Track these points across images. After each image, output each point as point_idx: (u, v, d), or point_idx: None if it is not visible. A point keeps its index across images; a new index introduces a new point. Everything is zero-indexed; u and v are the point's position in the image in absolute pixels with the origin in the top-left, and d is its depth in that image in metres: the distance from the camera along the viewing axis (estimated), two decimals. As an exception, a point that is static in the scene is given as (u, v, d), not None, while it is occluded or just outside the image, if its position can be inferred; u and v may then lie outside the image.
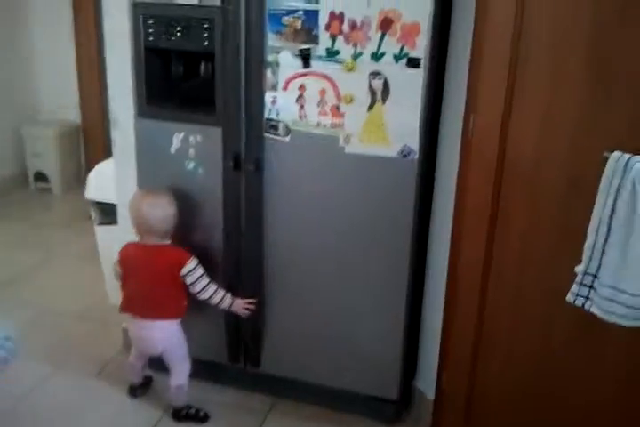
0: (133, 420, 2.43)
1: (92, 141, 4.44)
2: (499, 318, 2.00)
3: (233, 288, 2.34)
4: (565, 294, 1.73)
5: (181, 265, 2.23)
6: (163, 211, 2.22)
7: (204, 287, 2.27)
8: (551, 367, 1.96)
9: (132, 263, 2.30)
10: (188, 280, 2.25)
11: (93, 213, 2.92)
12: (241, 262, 2.32)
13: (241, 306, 2.32)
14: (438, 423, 2.27)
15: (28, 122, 4.38)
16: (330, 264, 2.23)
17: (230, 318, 2.39)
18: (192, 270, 2.24)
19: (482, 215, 1.92)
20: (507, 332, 2.00)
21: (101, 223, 2.90)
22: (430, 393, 2.31)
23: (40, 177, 4.44)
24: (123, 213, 2.51)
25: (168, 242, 2.28)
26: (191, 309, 2.33)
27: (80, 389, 2.57)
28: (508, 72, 1.76)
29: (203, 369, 2.44)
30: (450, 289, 2.10)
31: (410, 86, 1.93)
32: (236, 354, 2.47)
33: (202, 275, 2.26)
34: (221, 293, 2.30)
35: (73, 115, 4.34)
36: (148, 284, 2.27)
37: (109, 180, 2.63)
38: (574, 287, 1.72)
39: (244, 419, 2.41)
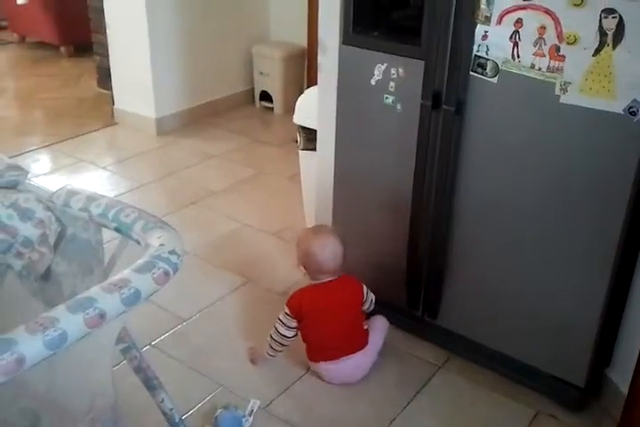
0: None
1: (315, 66, 4.43)
2: None
3: (416, 237, 2.21)
4: None
5: (361, 299, 2.23)
6: (333, 251, 2.14)
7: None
8: None
9: (313, 309, 2.20)
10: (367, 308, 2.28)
11: (298, 138, 2.91)
12: (428, 209, 2.16)
13: None
14: (627, 424, 1.97)
15: (260, 42, 4.47)
16: (525, 224, 2.00)
17: (413, 262, 2.27)
18: (368, 300, 2.26)
19: None
20: None
21: (304, 148, 2.89)
22: (624, 387, 2.01)
23: (265, 96, 4.54)
24: (322, 139, 2.48)
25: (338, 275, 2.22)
26: (373, 249, 2.25)
27: (261, 305, 2.62)
28: None
29: (380, 310, 2.35)
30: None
31: (651, 29, 1.58)
32: (415, 301, 2.35)
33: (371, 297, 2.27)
34: None
35: (301, 38, 4.35)
36: (337, 323, 2.20)
37: (315, 106, 2.57)
38: None
39: (413, 369, 2.31)
